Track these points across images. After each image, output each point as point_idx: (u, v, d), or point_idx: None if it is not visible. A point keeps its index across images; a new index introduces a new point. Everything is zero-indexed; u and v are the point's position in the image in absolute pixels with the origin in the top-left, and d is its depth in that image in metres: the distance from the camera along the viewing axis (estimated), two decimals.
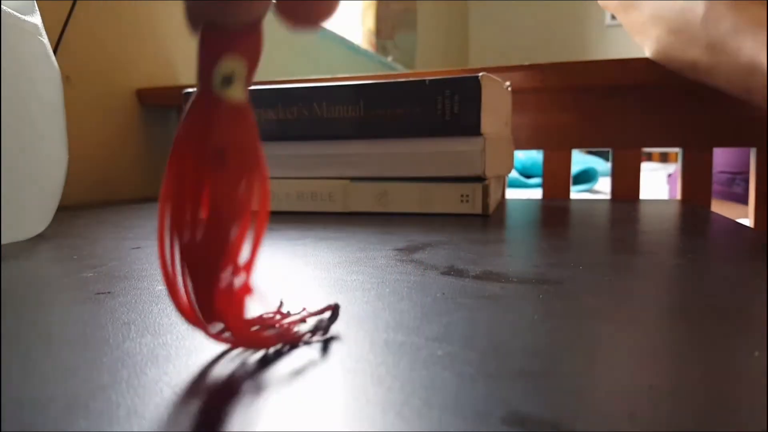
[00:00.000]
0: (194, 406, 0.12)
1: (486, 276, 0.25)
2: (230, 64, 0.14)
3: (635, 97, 0.67)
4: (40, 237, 0.38)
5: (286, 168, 0.53)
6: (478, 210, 0.48)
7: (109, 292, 0.23)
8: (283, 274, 0.26)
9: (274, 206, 0.53)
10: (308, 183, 0.52)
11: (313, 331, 0.17)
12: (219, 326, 0.15)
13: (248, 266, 0.15)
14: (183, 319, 0.15)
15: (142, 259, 0.30)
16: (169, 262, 0.14)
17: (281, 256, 0.31)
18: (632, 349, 0.16)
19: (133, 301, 0.21)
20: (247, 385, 0.14)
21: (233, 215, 0.14)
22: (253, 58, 0.14)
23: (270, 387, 0.13)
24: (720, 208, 1.04)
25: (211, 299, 0.14)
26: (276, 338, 0.16)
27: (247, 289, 0.15)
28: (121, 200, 0.70)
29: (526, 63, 0.66)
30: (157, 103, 0.81)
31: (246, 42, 0.14)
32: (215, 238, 0.14)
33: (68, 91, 0.62)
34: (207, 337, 0.15)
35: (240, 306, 0.15)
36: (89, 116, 0.72)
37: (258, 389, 0.13)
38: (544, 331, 0.17)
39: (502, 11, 2.99)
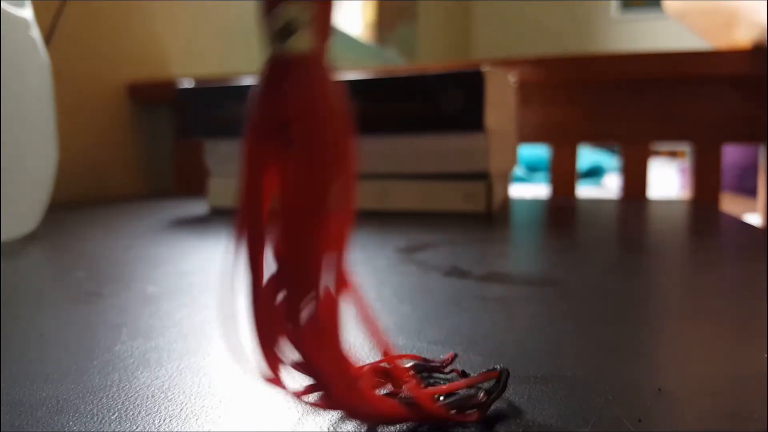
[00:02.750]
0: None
1: (490, 277, 0.25)
2: (288, 11, 0.10)
3: (643, 92, 0.66)
4: (29, 236, 0.37)
5: None
6: (482, 208, 0.47)
7: (100, 294, 0.22)
8: None
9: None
10: None
11: (466, 404, 0.12)
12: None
13: (341, 289, 0.11)
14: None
15: (134, 260, 0.29)
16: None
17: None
18: (638, 351, 0.15)
19: (125, 303, 0.21)
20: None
21: (307, 216, 0.10)
22: None
23: (269, 392, 0.13)
24: (731, 201, 1.04)
25: (300, 339, 0.11)
26: (410, 412, 0.11)
27: (335, 323, 0.11)
28: (113, 198, 0.70)
29: (532, 56, 0.65)
30: (148, 98, 0.80)
31: None
32: (282, 250, 0.10)
33: (58, 86, 0.62)
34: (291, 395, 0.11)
35: (337, 354, 0.11)
36: (79, 111, 0.71)
37: (258, 394, 0.13)
38: (550, 334, 0.17)
39: (506, 3, 2.97)
